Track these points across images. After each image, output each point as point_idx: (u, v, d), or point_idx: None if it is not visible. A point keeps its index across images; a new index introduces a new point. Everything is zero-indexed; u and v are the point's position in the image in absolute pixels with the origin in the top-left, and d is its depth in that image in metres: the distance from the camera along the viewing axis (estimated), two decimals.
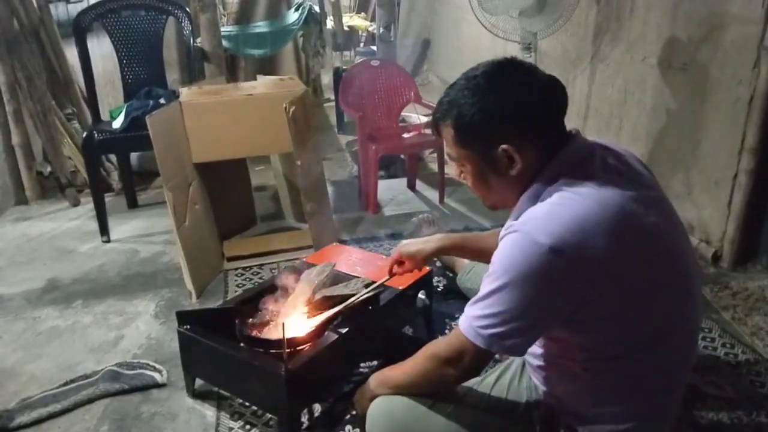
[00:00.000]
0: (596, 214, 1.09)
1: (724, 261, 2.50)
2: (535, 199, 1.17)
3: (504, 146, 1.16)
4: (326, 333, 1.77)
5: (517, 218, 1.18)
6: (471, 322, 1.16)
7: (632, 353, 1.18)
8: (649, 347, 1.18)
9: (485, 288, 1.14)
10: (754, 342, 2.04)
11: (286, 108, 2.39)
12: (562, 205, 1.11)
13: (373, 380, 1.45)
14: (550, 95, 1.19)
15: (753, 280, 2.37)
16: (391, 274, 1.79)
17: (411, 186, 3.60)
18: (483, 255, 1.72)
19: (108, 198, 3.46)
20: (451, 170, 1.33)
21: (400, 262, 1.77)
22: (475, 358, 1.19)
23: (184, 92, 2.62)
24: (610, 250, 1.07)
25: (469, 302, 1.19)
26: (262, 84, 2.83)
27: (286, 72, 5.24)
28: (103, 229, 3.04)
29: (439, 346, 1.28)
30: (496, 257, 1.14)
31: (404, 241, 1.77)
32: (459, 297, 2.32)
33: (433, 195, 3.47)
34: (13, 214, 3.47)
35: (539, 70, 1.22)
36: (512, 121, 1.16)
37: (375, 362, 1.99)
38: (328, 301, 1.85)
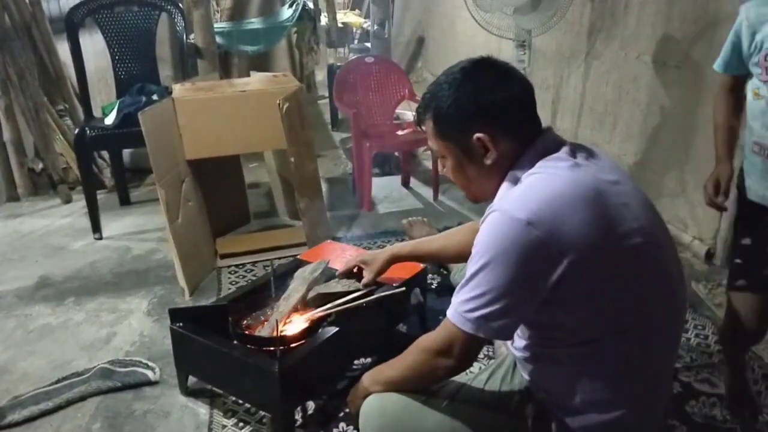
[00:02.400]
0: (570, 189, 1.14)
1: (717, 258, 2.50)
2: (514, 185, 1.21)
3: (478, 135, 1.22)
4: (320, 330, 1.76)
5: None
6: (457, 308, 1.18)
7: (613, 335, 1.18)
8: (630, 328, 1.19)
9: (468, 272, 1.17)
10: None
11: (279, 104, 2.38)
12: (536, 185, 1.16)
13: (367, 378, 1.45)
14: (522, 90, 1.25)
15: None
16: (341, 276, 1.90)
17: (405, 183, 3.60)
18: (439, 255, 1.86)
19: (100, 195, 3.44)
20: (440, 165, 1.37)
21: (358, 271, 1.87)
22: (466, 346, 1.20)
23: (177, 89, 2.60)
24: (584, 224, 1.11)
25: (455, 291, 1.20)
26: (256, 80, 2.82)
27: (279, 69, 5.23)
28: (95, 227, 3.02)
29: (428, 338, 1.29)
30: (477, 240, 1.17)
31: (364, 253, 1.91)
32: (453, 294, 2.32)
33: (427, 192, 3.47)
34: (4, 211, 3.44)
35: (513, 68, 1.28)
36: (485, 111, 1.22)
37: (369, 359, 1.99)
38: (322, 299, 1.85)
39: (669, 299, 1.25)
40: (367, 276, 1.85)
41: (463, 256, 1.83)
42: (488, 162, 1.24)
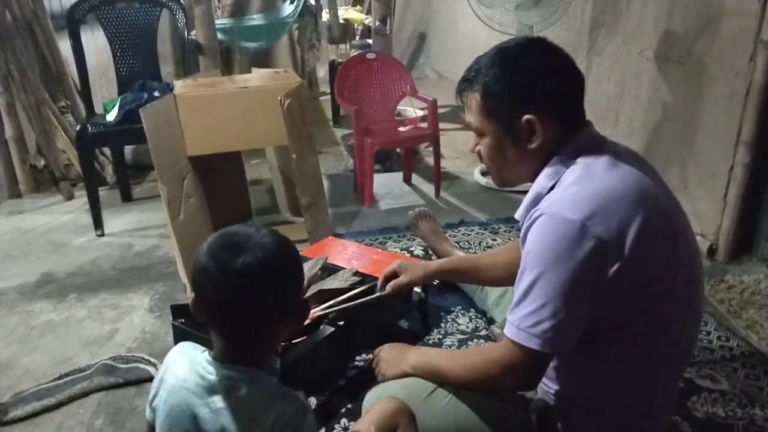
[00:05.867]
0: (619, 188, 1.11)
1: (720, 254, 2.50)
2: (554, 177, 1.18)
3: (528, 116, 1.18)
4: (321, 327, 1.76)
5: (534, 199, 1.20)
6: (518, 324, 1.12)
7: (640, 335, 1.17)
8: (657, 330, 1.17)
9: (522, 284, 1.12)
10: (749, 335, 2.04)
11: (281, 101, 2.38)
12: (584, 183, 1.13)
13: (413, 358, 1.39)
14: (578, 76, 1.22)
15: (748, 274, 2.38)
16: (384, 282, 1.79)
17: (407, 180, 3.59)
18: (486, 273, 1.74)
19: (102, 191, 3.44)
20: (471, 141, 1.33)
21: (395, 274, 1.77)
22: (533, 365, 1.15)
23: (179, 85, 2.60)
24: (634, 216, 1.08)
25: (509, 310, 1.16)
26: (258, 77, 2.82)
27: (281, 65, 5.22)
28: (97, 223, 3.02)
29: (494, 351, 1.22)
30: (526, 247, 1.13)
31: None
32: (455, 291, 2.33)
33: (429, 189, 3.46)
34: (6, 207, 3.45)
35: (568, 54, 1.24)
36: (540, 93, 1.19)
37: (370, 355, 1.99)
38: (322, 295, 1.85)
39: (693, 305, 1.24)
40: (403, 279, 1.75)
41: (510, 278, 1.75)
42: (532, 146, 1.20)
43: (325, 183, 3.54)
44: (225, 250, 1.01)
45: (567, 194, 1.13)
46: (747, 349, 1.97)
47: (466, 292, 2.27)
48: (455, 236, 2.84)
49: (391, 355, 1.47)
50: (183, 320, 1.81)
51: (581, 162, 1.16)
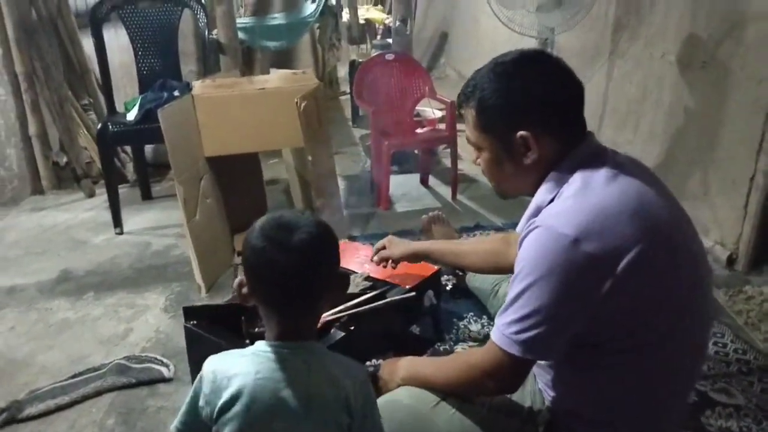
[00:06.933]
0: (615, 201, 1.10)
1: (739, 264, 2.45)
2: (554, 190, 1.18)
3: (522, 133, 1.18)
4: (332, 331, 1.76)
5: (534, 211, 1.20)
6: (503, 330, 1.14)
7: (642, 348, 1.16)
8: (659, 343, 1.16)
9: (512, 292, 1.14)
10: (767, 348, 2.00)
11: (297, 103, 2.39)
12: (581, 197, 1.12)
13: (404, 370, 1.43)
14: (575, 89, 1.21)
15: None
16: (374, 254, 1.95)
17: (424, 182, 3.58)
18: (464, 261, 1.86)
19: (123, 189, 3.49)
20: (472, 154, 1.34)
21: (383, 248, 1.93)
22: (514, 370, 1.17)
23: (197, 85, 2.62)
24: (631, 236, 1.07)
25: (498, 312, 1.18)
26: (276, 78, 2.83)
27: (302, 64, 5.23)
28: (117, 221, 3.06)
29: (476, 355, 1.24)
30: (520, 256, 1.14)
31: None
32: (468, 296, 2.31)
33: (446, 191, 3.45)
34: (28, 204, 3.51)
35: (566, 66, 1.23)
36: (534, 109, 1.18)
37: (380, 361, 1.99)
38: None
39: (704, 311, 1.22)
40: (386, 252, 1.91)
41: (487, 266, 1.82)
42: (528, 161, 1.20)
43: (342, 184, 3.56)
44: (279, 230, 1.09)
45: (563, 208, 1.13)
46: (764, 362, 1.93)
47: (479, 297, 2.25)
48: None
49: (385, 372, 1.49)
50: (195, 322, 1.82)
51: (579, 175, 1.16)
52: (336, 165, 3.85)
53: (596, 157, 1.19)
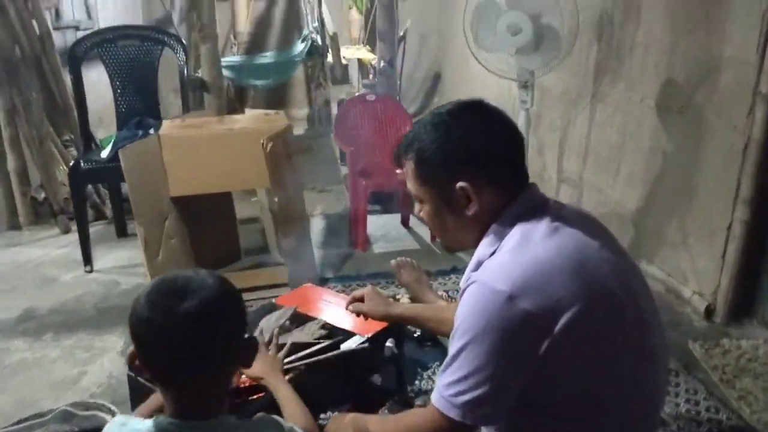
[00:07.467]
0: (553, 256, 1.07)
1: (718, 315, 2.37)
2: (494, 244, 1.15)
3: (462, 184, 1.15)
4: (264, 394, 1.68)
5: (476, 266, 1.17)
6: (442, 392, 1.10)
7: (596, 412, 1.10)
8: (605, 409, 1.10)
9: (451, 349, 1.10)
10: (741, 407, 1.91)
11: (263, 144, 2.35)
12: (518, 252, 1.09)
13: (351, 429, 1.35)
14: (514, 140, 1.19)
15: (747, 338, 2.23)
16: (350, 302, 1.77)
17: (405, 222, 3.53)
18: (427, 325, 1.72)
19: (100, 226, 3.46)
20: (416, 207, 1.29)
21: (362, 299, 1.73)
22: None
23: (166, 124, 2.60)
24: (571, 295, 1.03)
25: (439, 371, 1.14)
26: (246, 118, 2.82)
27: (295, 101, 5.26)
28: (87, 259, 3.01)
29: (417, 418, 1.20)
30: (458, 312, 1.10)
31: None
32: (436, 344, 2.23)
33: (426, 232, 3.38)
34: (4, 239, 3.47)
35: (506, 115, 1.21)
36: (473, 160, 1.16)
37: (336, 413, 1.90)
38: (293, 349, 1.78)
39: (649, 386, 1.16)
40: (363, 308, 1.71)
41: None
42: (469, 213, 1.17)
43: (321, 223, 3.52)
44: (167, 296, 0.99)
45: (500, 262, 1.09)
46: (738, 422, 1.84)
47: (447, 346, 2.17)
48: (446, 284, 2.77)
49: (332, 428, 1.42)
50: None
51: (519, 229, 1.13)
52: (319, 204, 3.85)
53: (537, 209, 1.16)
